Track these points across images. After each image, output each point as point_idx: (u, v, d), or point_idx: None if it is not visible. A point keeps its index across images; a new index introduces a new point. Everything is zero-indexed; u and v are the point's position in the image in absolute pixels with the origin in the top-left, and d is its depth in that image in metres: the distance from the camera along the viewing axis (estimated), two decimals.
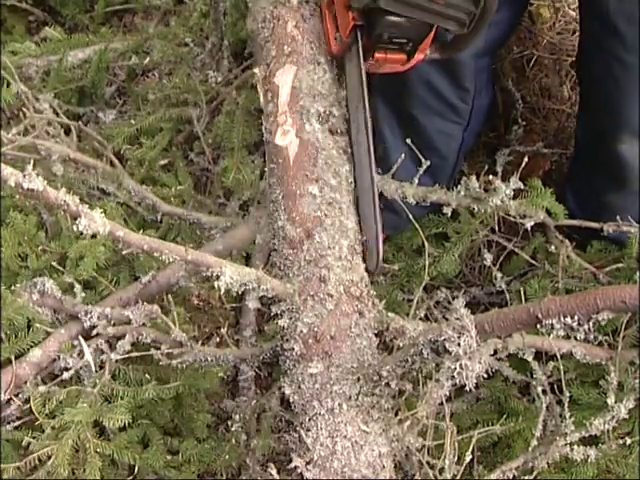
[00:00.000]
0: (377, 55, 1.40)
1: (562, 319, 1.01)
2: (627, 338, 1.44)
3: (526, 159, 1.49)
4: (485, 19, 1.30)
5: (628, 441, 1.34)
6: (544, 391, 1.30)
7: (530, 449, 1.30)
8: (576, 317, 1.01)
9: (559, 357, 1.34)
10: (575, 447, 1.29)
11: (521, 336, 1.33)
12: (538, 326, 1.03)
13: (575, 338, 1.02)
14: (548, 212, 1.59)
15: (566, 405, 1.28)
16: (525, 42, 2.14)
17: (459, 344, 0.99)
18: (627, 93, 1.52)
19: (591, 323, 1.00)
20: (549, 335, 1.02)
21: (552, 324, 1.02)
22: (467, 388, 1.00)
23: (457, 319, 1.00)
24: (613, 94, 1.54)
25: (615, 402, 1.28)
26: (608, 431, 1.29)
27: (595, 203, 1.69)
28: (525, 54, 2.14)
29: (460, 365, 1.00)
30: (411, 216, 1.52)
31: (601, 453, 1.33)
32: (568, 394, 1.29)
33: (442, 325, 1.02)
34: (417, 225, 1.51)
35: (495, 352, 1.34)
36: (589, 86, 1.68)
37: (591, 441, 1.32)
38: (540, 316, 1.03)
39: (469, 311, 1.02)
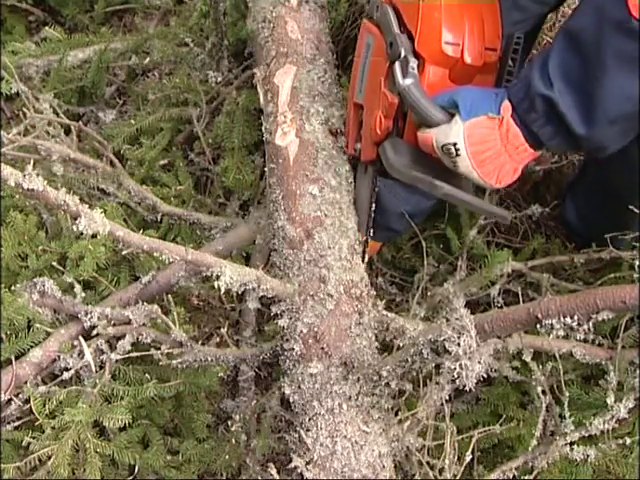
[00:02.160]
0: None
1: (562, 319, 1.01)
2: (627, 338, 1.43)
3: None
4: None
5: (628, 441, 1.34)
6: (543, 391, 1.29)
7: (530, 449, 1.30)
8: (576, 317, 1.01)
9: (558, 357, 1.34)
10: (575, 447, 1.29)
11: (519, 337, 1.33)
12: (538, 326, 1.03)
13: (575, 338, 1.02)
14: None
15: (566, 405, 1.28)
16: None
17: (459, 344, 1.00)
18: None
19: (591, 323, 1.00)
20: (549, 335, 1.02)
21: (552, 324, 1.02)
22: (467, 388, 1.00)
23: (457, 319, 1.00)
24: None
25: (615, 402, 1.28)
26: (607, 431, 1.29)
27: (597, 225, 1.67)
28: None
29: (460, 365, 1.00)
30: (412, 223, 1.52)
31: (601, 453, 1.33)
32: (567, 394, 1.29)
33: (442, 325, 1.02)
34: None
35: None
36: None
37: (590, 441, 1.32)
38: (540, 316, 1.03)
39: (469, 311, 1.03)
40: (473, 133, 1.17)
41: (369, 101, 1.39)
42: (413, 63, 1.25)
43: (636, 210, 1.39)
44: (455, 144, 1.17)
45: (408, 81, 1.23)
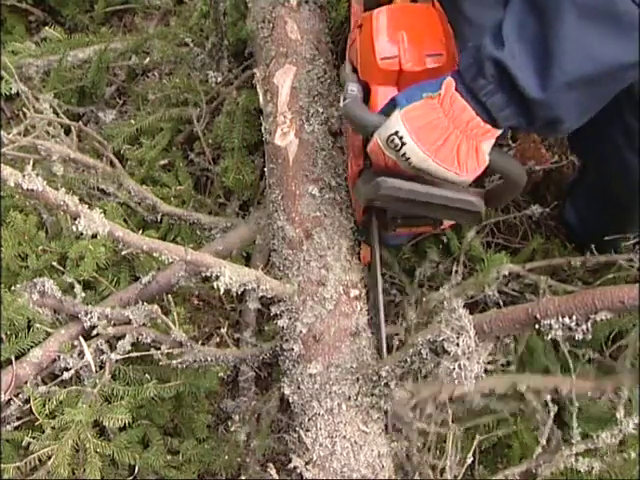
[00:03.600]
0: (399, 230, 1.35)
1: (560, 319, 1.01)
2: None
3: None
4: (511, 191, 1.19)
5: (632, 455, 1.34)
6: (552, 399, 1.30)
7: (534, 457, 1.30)
8: (574, 317, 1.01)
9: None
10: (580, 458, 1.29)
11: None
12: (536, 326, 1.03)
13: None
14: None
15: (574, 415, 1.28)
16: None
17: (458, 344, 1.00)
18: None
19: (589, 323, 1.00)
20: (547, 335, 1.02)
21: (550, 324, 1.02)
22: (466, 389, 1.00)
23: (456, 319, 1.00)
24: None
25: (624, 416, 1.28)
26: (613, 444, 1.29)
27: (597, 226, 1.66)
28: None
29: (459, 365, 1.00)
30: None
31: (605, 465, 1.33)
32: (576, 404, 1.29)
33: (441, 325, 1.02)
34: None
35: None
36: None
37: (591, 453, 1.32)
38: (539, 316, 1.03)
39: (468, 311, 1.03)
40: (412, 116, 1.07)
41: (349, 154, 1.40)
42: (352, 86, 1.24)
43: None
44: (397, 132, 1.07)
45: (345, 101, 1.22)
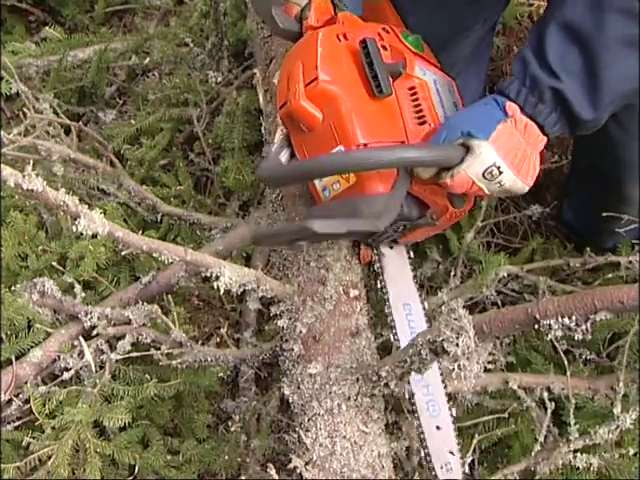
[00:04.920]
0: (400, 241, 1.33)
1: (560, 319, 1.01)
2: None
3: None
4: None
5: (631, 452, 1.34)
6: (550, 398, 1.30)
7: (533, 454, 1.30)
8: (574, 317, 1.01)
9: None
10: (578, 455, 1.29)
11: None
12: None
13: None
14: None
15: (571, 412, 1.28)
16: (525, 43, 2.13)
17: (457, 345, 0.99)
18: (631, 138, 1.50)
19: (589, 323, 1.00)
20: (547, 335, 1.02)
21: (550, 324, 1.02)
22: (465, 389, 1.00)
23: (455, 319, 1.00)
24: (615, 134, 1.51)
25: (621, 412, 1.28)
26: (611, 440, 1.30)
27: (593, 218, 1.67)
28: None
29: (458, 366, 1.00)
30: None
31: (603, 462, 1.33)
32: (574, 402, 1.29)
33: (440, 326, 1.02)
34: None
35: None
36: None
37: (591, 449, 1.32)
38: (538, 316, 1.03)
39: (467, 311, 1.03)
40: (501, 145, 1.15)
41: None
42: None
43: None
44: (494, 163, 1.15)
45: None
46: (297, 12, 1.31)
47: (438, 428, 1.22)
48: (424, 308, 1.30)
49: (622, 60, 1.14)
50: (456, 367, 1.00)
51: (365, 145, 1.16)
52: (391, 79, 1.21)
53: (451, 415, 1.22)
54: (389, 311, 1.28)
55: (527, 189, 1.20)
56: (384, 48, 1.25)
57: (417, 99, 1.24)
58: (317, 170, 1.17)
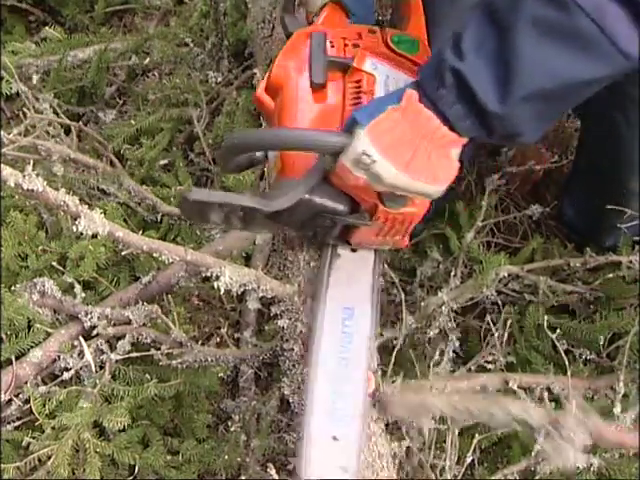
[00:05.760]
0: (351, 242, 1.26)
1: None
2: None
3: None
4: None
5: (631, 452, 1.33)
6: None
7: (533, 454, 1.30)
8: None
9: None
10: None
11: None
12: None
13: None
14: None
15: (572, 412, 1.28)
16: None
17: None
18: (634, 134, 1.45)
19: None
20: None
21: None
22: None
23: None
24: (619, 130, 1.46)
25: (621, 412, 1.28)
26: None
27: (593, 215, 1.67)
28: None
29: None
30: None
31: (603, 462, 1.33)
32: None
33: None
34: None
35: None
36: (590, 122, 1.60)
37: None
38: None
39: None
40: (378, 132, 1.03)
41: None
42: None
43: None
44: (364, 151, 1.03)
45: None
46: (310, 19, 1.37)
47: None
48: (372, 317, 1.22)
49: (536, 49, 0.96)
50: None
51: None
52: (339, 72, 1.23)
53: None
54: (316, 304, 1.22)
55: (434, 190, 1.06)
56: (338, 44, 1.25)
57: (359, 92, 1.21)
58: (239, 142, 1.16)
